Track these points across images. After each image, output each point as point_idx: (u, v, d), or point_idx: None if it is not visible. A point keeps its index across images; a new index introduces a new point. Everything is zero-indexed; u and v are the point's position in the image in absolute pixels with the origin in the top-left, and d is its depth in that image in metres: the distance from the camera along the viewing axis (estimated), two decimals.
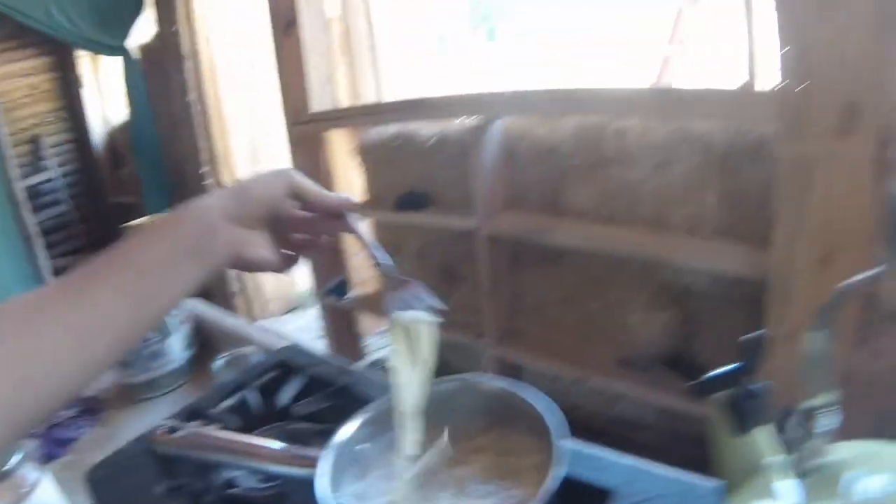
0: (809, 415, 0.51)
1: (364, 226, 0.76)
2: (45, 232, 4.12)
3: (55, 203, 5.71)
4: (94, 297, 0.57)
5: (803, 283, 1.48)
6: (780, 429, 0.54)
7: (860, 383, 1.47)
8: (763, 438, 0.58)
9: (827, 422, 0.51)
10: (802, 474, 0.51)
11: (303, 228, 0.77)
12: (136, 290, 0.59)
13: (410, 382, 0.77)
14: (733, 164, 1.79)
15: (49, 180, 5.61)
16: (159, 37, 4.27)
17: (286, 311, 4.51)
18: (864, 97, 1.31)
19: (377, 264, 0.78)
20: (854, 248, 1.39)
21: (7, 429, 0.51)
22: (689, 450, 0.77)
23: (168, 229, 0.64)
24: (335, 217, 0.76)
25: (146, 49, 4.62)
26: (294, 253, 0.77)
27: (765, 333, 0.57)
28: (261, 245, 0.69)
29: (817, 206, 1.42)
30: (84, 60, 5.42)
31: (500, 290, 2.46)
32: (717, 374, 0.59)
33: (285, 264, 0.75)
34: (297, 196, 0.72)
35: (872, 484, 0.44)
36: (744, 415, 0.58)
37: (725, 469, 0.61)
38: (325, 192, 0.74)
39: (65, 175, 5.76)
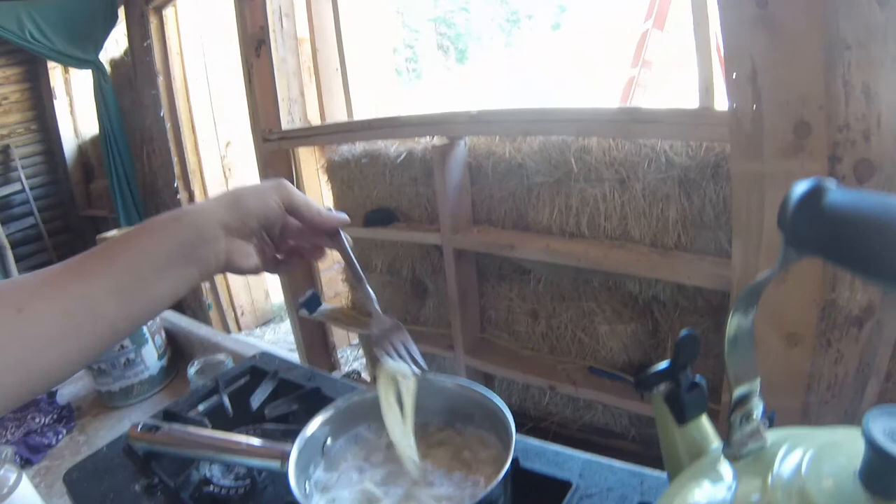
0: (741, 403, 0.54)
1: (351, 247, 0.79)
2: (14, 244, 4.09)
3: (24, 215, 5.65)
4: (86, 288, 0.59)
5: (762, 293, 1.52)
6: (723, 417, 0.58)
7: (824, 387, 1.54)
8: (701, 427, 0.63)
9: (756, 409, 0.54)
10: (736, 458, 0.53)
11: (296, 236, 0.80)
12: (127, 288, 0.61)
13: (400, 427, 0.81)
14: (693, 180, 1.84)
15: (18, 192, 5.55)
16: (131, 52, 4.28)
17: (259, 324, 4.53)
18: (813, 117, 1.36)
19: (364, 296, 0.83)
20: (808, 260, 1.44)
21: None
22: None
23: (165, 232, 0.65)
24: (327, 234, 0.80)
25: (118, 63, 4.63)
26: (283, 258, 0.80)
27: (695, 332, 0.61)
28: (251, 255, 0.73)
29: (771, 220, 1.47)
30: (56, 73, 5.39)
31: (468, 303, 2.50)
32: (658, 369, 0.64)
33: (274, 267, 0.79)
34: (292, 211, 0.75)
35: (797, 458, 0.46)
36: (683, 406, 0.62)
37: (670, 457, 0.64)
38: (318, 208, 0.77)
39: (34, 187, 5.70)
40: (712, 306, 1.94)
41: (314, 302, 3.06)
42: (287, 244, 0.80)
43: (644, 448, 2.29)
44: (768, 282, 0.50)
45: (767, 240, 1.50)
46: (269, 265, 0.78)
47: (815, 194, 0.44)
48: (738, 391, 0.55)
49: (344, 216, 0.80)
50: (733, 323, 0.53)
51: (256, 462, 0.81)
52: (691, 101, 1.73)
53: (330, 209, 0.80)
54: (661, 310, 2.14)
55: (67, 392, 2.01)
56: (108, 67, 4.56)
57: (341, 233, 0.81)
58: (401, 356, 0.82)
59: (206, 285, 4.14)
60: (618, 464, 0.94)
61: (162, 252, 0.64)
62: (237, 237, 0.70)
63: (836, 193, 0.43)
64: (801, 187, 0.44)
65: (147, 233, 0.65)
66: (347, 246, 0.81)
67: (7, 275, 3.89)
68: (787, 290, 1.48)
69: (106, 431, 1.79)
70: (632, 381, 2.11)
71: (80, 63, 4.46)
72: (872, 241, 0.40)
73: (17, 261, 4.02)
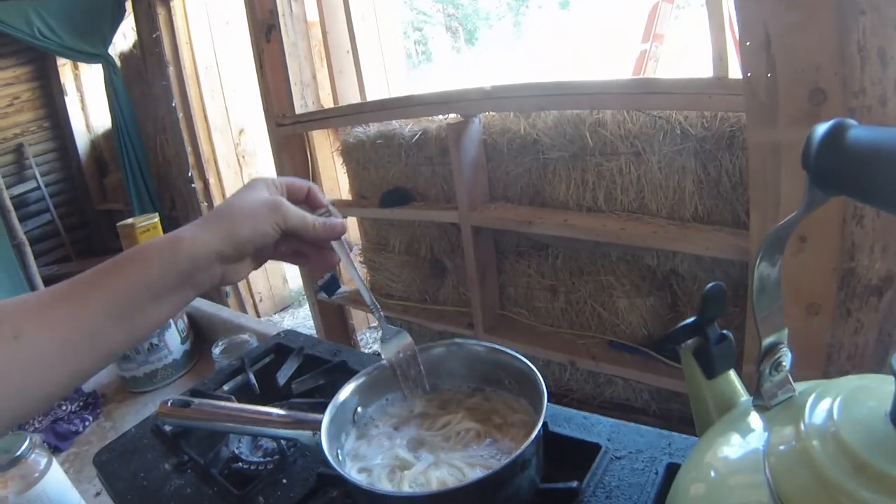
0: (769, 352, 0.54)
1: (355, 258, 0.79)
2: (31, 241, 4.11)
3: (41, 212, 5.69)
4: (85, 313, 0.60)
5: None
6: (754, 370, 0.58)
7: (844, 357, 1.54)
8: (730, 381, 0.63)
9: (785, 358, 0.55)
10: (766, 408, 0.54)
11: (297, 243, 0.79)
12: (126, 313, 0.62)
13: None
14: (709, 151, 1.83)
15: (34, 189, 5.59)
16: (140, 44, 4.28)
17: (277, 310, 4.55)
18: (828, 83, 1.35)
19: (371, 307, 0.83)
20: (826, 227, 1.44)
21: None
22: (684, 429, 0.84)
23: (160, 262, 0.65)
24: (325, 244, 0.80)
25: (127, 56, 4.64)
26: (277, 255, 0.80)
27: (722, 285, 0.61)
28: (244, 269, 0.74)
29: (788, 188, 1.47)
30: (66, 69, 5.41)
31: (487, 281, 2.51)
32: (685, 324, 0.64)
33: (278, 258, 0.80)
34: (289, 232, 0.74)
35: (827, 405, 0.47)
36: (711, 360, 0.62)
37: (699, 412, 0.65)
38: (314, 222, 0.76)
39: (49, 184, 5.73)
40: (731, 278, 1.94)
41: (333, 285, 3.07)
42: (286, 244, 0.79)
43: (665, 423, 2.29)
44: (794, 225, 0.50)
45: (785, 208, 1.49)
46: (264, 262, 0.79)
47: (837, 132, 0.44)
48: (767, 341, 0.55)
49: (339, 223, 0.79)
50: (759, 271, 0.53)
51: (288, 432, 0.82)
52: (705, 72, 1.71)
53: (328, 211, 0.81)
54: (680, 283, 2.14)
55: (92, 380, 2.02)
56: (117, 61, 4.58)
57: (343, 240, 0.80)
58: (409, 371, 0.84)
59: None
60: (645, 427, 0.95)
61: (157, 281, 0.65)
62: (231, 262, 0.71)
63: (858, 130, 0.43)
64: (823, 126, 0.45)
65: (141, 262, 0.65)
66: (348, 254, 0.81)
67: (27, 271, 3.92)
68: (806, 260, 1.48)
69: (132, 417, 1.80)
70: (653, 354, 2.11)
71: (90, 58, 4.48)
72: (894, 173, 0.40)
73: (36, 257, 4.04)
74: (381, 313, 0.84)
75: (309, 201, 0.80)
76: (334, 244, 0.80)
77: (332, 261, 0.81)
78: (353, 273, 0.82)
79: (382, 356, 0.85)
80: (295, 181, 0.79)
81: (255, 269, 0.77)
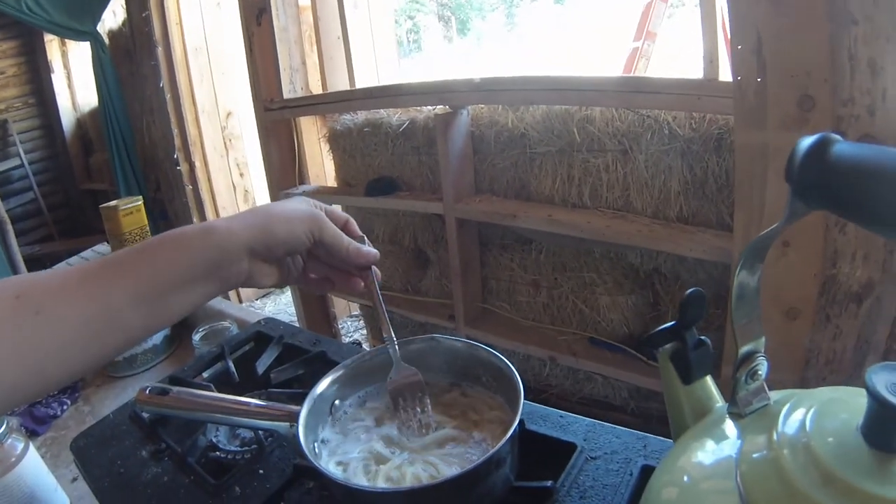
0: (745, 360, 0.55)
1: (379, 285, 0.79)
2: (14, 220, 4.07)
3: (24, 190, 5.63)
4: (110, 298, 0.59)
5: (764, 265, 1.52)
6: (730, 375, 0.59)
7: (822, 362, 1.55)
8: (706, 387, 0.64)
9: (761, 367, 0.55)
10: (741, 416, 0.55)
11: (326, 261, 0.80)
12: (149, 298, 0.62)
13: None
14: (696, 152, 1.83)
15: (17, 167, 5.53)
16: (130, 22, 4.24)
17: (259, 296, 4.54)
18: (818, 91, 1.35)
19: (387, 339, 0.83)
20: (809, 233, 1.44)
21: (3, 407, 0.54)
22: (662, 429, 0.85)
23: (192, 249, 0.65)
24: (356, 268, 0.80)
25: (116, 34, 4.60)
26: (308, 280, 0.81)
27: (701, 290, 0.61)
28: (272, 275, 0.74)
29: (773, 192, 1.48)
30: (53, 45, 5.35)
31: (470, 273, 2.51)
32: (664, 328, 0.65)
33: (296, 283, 0.81)
34: (321, 245, 0.74)
35: (800, 416, 0.48)
36: (688, 365, 0.63)
37: (675, 417, 0.65)
38: (348, 244, 0.76)
39: (33, 162, 5.68)
40: (713, 279, 1.95)
41: None
42: (315, 267, 0.81)
43: (643, 422, 2.31)
44: (775, 236, 0.50)
45: (770, 212, 1.50)
46: (292, 281, 0.79)
47: (821, 146, 0.44)
48: (744, 349, 0.56)
49: (374, 253, 0.79)
50: (739, 279, 0.53)
51: (265, 423, 0.82)
52: (695, 73, 1.71)
53: (364, 238, 0.80)
54: (662, 282, 2.15)
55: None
56: (106, 39, 4.53)
57: (372, 269, 0.80)
58: (412, 411, 0.82)
59: None
60: (621, 428, 0.95)
61: (186, 268, 0.65)
62: (260, 261, 0.71)
63: (842, 146, 0.44)
64: (808, 140, 0.45)
65: (173, 247, 0.65)
66: (376, 285, 0.81)
67: (8, 250, 3.88)
68: (787, 265, 1.49)
69: (110, 401, 1.79)
70: (633, 353, 2.12)
71: (78, 35, 4.42)
72: (878, 191, 0.41)
73: (17, 236, 3.99)
74: (398, 350, 0.83)
75: (345, 230, 0.80)
76: (364, 272, 0.80)
77: (357, 288, 0.82)
78: (378, 304, 0.82)
79: (387, 388, 0.84)
80: (335, 210, 0.79)
81: (280, 284, 0.77)
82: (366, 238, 0.81)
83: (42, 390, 0.57)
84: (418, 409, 0.82)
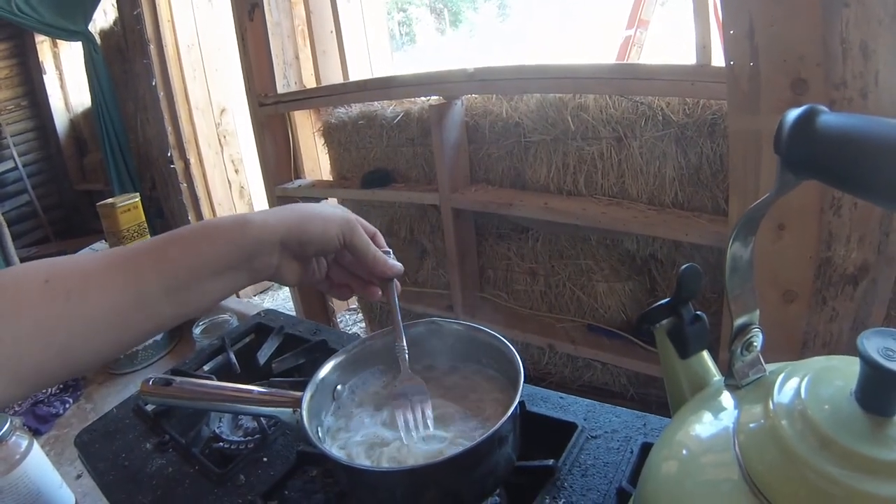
0: (741, 332, 0.56)
1: (399, 296, 0.79)
2: (9, 223, 4.04)
3: (19, 193, 5.61)
4: (139, 284, 0.60)
5: (759, 250, 1.52)
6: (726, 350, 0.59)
7: (819, 344, 1.55)
8: (703, 361, 0.65)
9: (756, 338, 0.56)
10: (737, 387, 0.55)
11: (349, 267, 0.81)
12: (180, 288, 0.62)
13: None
14: (690, 138, 1.84)
15: (11, 170, 5.51)
16: (121, 21, 4.23)
17: (257, 292, 4.53)
18: (811, 74, 1.35)
19: (398, 350, 0.83)
20: (804, 215, 1.44)
21: (30, 388, 0.55)
22: (662, 414, 0.85)
23: (227, 240, 0.66)
24: (378, 278, 0.80)
25: (108, 33, 4.58)
26: (331, 283, 0.82)
27: (696, 266, 0.62)
28: (295, 272, 0.74)
29: (767, 176, 1.47)
30: (45, 46, 5.33)
31: (467, 263, 2.52)
32: (660, 304, 0.66)
33: (318, 285, 0.81)
34: (350, 249, 0.75)
35: (795, 384, 0.49)
36: (685, 340, 0.64)
37: (673, 392, 0.66)
38: (376, 253, 0.77)
39: (28, 164, 5.64)
40: (710, 264, 1.96)
41: None
42: (337, 273, 0.82)
43: (643, 407, 2.31)
44: (766, 207, 0.51)
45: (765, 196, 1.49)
46: (314, 282, 0.80)
47: (808, 117, 0.45)
48: (739, 321, 0.56)
49: (398, 266, 0.80)
50: (732, 251, 0.54)
51: (268, 410, 0.83)
52: (688, 59, 1.72)
53: (389, 252, 0.81)
54: (659, 268, 2.16)
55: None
56: (97, 38, 4.51)
57: (394, 282, 0.81)
58: (413, 418, 0.81)
59: None
60: (620, 408, 0.96)
61: (221, 259, 0.65)
62: (290, 257, 0.72)
63: (828, 116, 0.45)
64: (795, 112, 0.46)
65: (208, 238, 0.66)
66: (395, 297, 0.82)
67: (5, 252, 3.86)
68: (783, 248, 1.50)
69: (112, 398, 1.80)
70: (631, 339, 2.13)
71: (70, 35, 4.40)
72: (863, 159, 0.42)
73: (13, 238, 3.98)
74: (407, 359, 0.83)
75: (373, 241, 0.80)
76: (385, 284, 0.81)
77: (375, 296, 0.82)
78: (396, 315, 0.83)
79: (390, 394, 0.85)
80: (365, 222, 0.79)
81: (302, 284, 0.78)
82: (392, 252, 0.82)
83: (68, 373, 0.57)
84: (419, 415, 0.81)
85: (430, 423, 0.80)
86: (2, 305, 0.53)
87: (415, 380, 0.82)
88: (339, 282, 0.83)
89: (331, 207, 0.75)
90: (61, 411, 1.78)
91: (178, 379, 0.88)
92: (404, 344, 0.83)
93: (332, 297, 0.80)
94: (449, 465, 0.68)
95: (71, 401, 1.82)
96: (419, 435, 0.79)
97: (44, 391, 1.82)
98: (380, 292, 0.82)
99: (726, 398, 0.56)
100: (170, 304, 0.62)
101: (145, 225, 2.35)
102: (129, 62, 4.29)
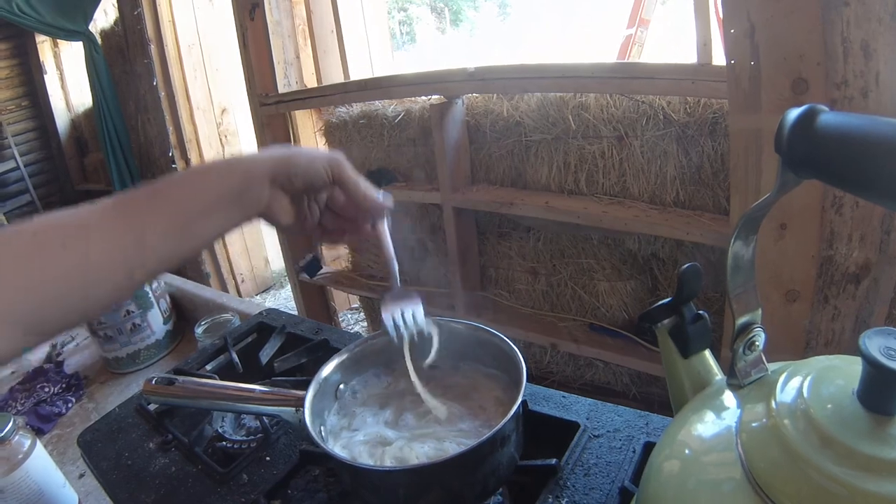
0: (743, 331, 0.56)
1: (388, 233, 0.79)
2: (11, 222, 4.03)
3: (20, 193, 5.60)
4: (142, 228, 0.60)
5: (761, 249, 1.53)
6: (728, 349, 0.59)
7: (822, 343, 1.56)
8: (704, 360, 0.65)
9: (758, 338, 0.56)
10: (739, 386, 0.55)
11: (340, 210, 0.80)
12: (176, 226, 0.63)
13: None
14: (691, 137, 1.84)
15: (13, 170, 5.51)
16: (122, 21, 4.22)
17: (259, 291, 4.53)
18: (811, 73, 1.36)
19: (390, 274, 0.83)
20: (806, 215, 1.45)
21: (36, 338, 0.56)
22: (664, 414, 0.85)
23: (217, 175, 0.68)
24: (371, 214, 0.80)
25: (109, 33, 4.57)
26: (322, 229, 0.82)
27: (698, 265, 0.62)
28: (287, 210, 0.74)
29: (768, 175, 1.48)
30: (45, 46, 5.32)
31: (468, 262, 2.52)
32: (661, 304, 0.66)
33: (310, 232, 0.81)
34: (339, 183, 0.75)
35: (797, 384, 0.49)
36: (686, 339, 0.64)
37: (675, 391, 0.66)
38: (366, 189, 0.77)
39: (29, 164, 5.64)
40: (711, 263, 1.96)
41: (314, 265, 3.07)
42: (330, 220, 0.81)
43: (645, 406, 2.31)
44: (768, 206, 0.51)
45: (765, 195, 1.49)
46: (307, 229, 0.80)
47: (808, 117, 0.45)
48: (741, 320, 0.56)
49: (389, 200, 0.80)
50: (734, 250, 0.54)
51: (271, 409, 0.83)
52: (689, 58, 1.72)
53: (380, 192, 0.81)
54: (660, 267, 2.16)
55: (75, 361, 2.02)
56: (98, 38, 4.50)
57: (385, 217, 0.82)
58: (404, 321, 0.82)
59: (205, 254, 4.13)
60: (623, 407, 0.96)
61: (212, 194, 0.66)
62: (280, 189, 0.72)
63: (828, 115, 0.45)
64: (795, 111, 0.46)
65: (199, 174, 0.69)
66: (386, 232, 0.82)
67: None
68: (785, 247, 1.50)
69: (115, 397, 1.80)
70: (633, 338, 2.13)
71: (70, 35, 4.39)
72: (864, 158, 0.42)
73: None
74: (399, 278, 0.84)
75: None
76: (377, 220, 0.81)
77: (367, 233, 0.82)
78: (388, 248, 0.83)
79: (382, 306, 0.85)
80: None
81: (295, 228, 0.78)
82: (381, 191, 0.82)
83: (71, 321, 0.59)
84: (409, 317, 0.82)
85: (420, 321, 0.81)
86: None
87: (407, 292, 0.83)
88: (332, 227, 0.83)
89: (320, 149, 0.76)
90: (64, 410, 1.78)
91: (181, 378, 0.88)
92: (396, 269, 0.83)
93: (325, 244, 0.79)
94: (452, 465, 0.68)
95: (73, 400, 1.82)
96: (407, 332, 0.81)
97: (46, 390, 1.82)
98: (365, 231, 0.82)
99: (728, 397, 0.56)
100: (166, 242, 0.63)
101: None
102: (129, 62, 4.29)
